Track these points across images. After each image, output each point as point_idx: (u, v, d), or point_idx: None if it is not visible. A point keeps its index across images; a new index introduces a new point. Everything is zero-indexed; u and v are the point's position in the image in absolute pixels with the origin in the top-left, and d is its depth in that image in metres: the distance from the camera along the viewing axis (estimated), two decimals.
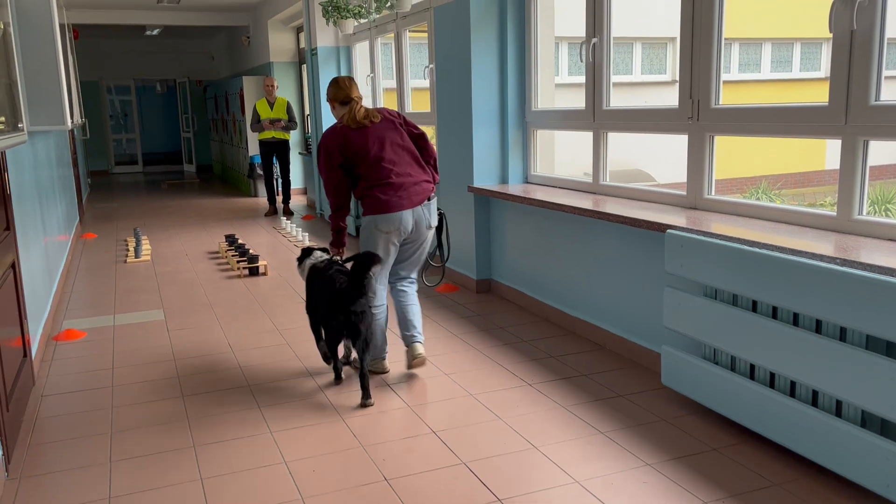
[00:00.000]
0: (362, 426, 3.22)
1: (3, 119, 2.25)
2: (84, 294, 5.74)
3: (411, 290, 3.86)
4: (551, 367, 3.85)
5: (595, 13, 4.28)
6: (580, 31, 4.46)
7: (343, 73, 8.85)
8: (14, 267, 3.62)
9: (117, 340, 4.52)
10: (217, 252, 7.21)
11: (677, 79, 3.79)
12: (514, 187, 5.09)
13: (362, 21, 7.66)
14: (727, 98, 3.58)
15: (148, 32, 14.34)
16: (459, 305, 5.08)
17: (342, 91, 3.67)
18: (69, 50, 6.99)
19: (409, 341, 3.78)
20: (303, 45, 11.01)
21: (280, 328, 4.67)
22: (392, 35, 7.38)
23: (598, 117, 4.39)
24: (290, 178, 9.92)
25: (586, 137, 4.59)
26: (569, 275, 4.48)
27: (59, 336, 4.60)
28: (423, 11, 6.50)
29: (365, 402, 3.45)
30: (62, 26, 4.64)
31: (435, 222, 3.77)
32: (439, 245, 4.09)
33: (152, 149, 17.54)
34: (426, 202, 3.66)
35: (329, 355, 3.73)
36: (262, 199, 10.89)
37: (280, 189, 9.99)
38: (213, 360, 4.11)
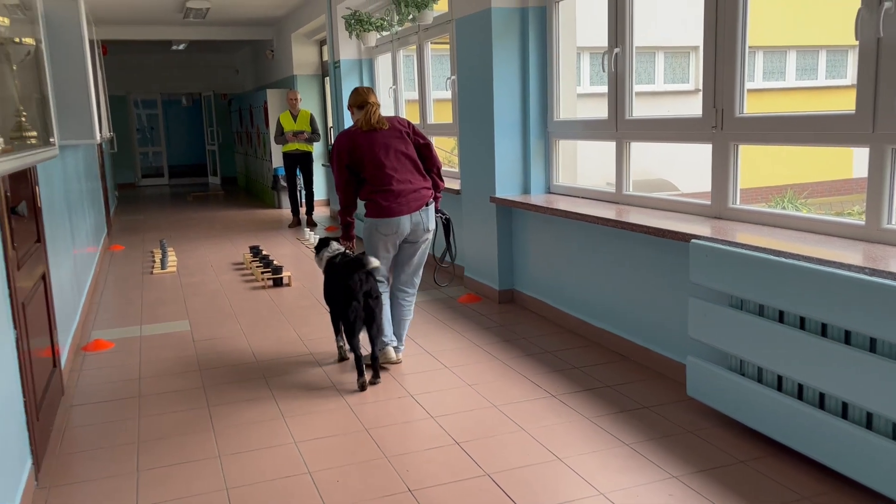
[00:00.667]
0: (386, 437, 3.22)
1: (35, 134, 2.30)
2: (112, 305, 5.82)
3: (409, 304, 4.19)
4: (575, 378, 3.83)
5: (617, 23, 4.28)
6: (601, 41, 4.46)
7: (365, 85, 8.92)
8: (44, 278, 3.69)
9: (144, 351, 4.57)
10: (242, 263, 7.28)
11: (700, 88, 3.77)
12: (537, 197, 5.09)
13: (384, 34, 7.73)
14: (751, 107, 3.56)
15: (174, 47, 14.57)
16: (482, 316, 5.07)
17: (360, 96, 4.01)
18: (98, 65, 7.13)
19: (392, 349, 4.10)
20: (326, 58, 11.12)
21: (304, 339, 4.70)
22: (414, 47, 7.43)
23: (621, 127, 4.38)
24: (314, 190, 10.00)
25: (609, 147, 4.58)
26: (592, 285, 4.46)
27: (88, 346, 4.66)
28: (445, 23, 6.54)
29: (374, 380, 3.83)
30: (91, 42, 4.73)
31: (432, 226, 4.03)
32: (448, 248, 4.35)
33: (178, 161, 17.77)
34: (424, 207, 3.95)
35: (348, 350, 3.93)
36: (286, 211, 10.98)
37: (303, 200, 10.07)
38: (237, 371, 4.14)
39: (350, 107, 4.04)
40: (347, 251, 4.09)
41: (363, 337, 3.87)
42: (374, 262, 3.78)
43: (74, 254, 5.33)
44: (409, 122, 4.05)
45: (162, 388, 3.91)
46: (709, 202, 3.80)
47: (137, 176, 17.18)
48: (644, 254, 3.96)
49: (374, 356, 3.86)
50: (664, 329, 3.86)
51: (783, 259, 2.77)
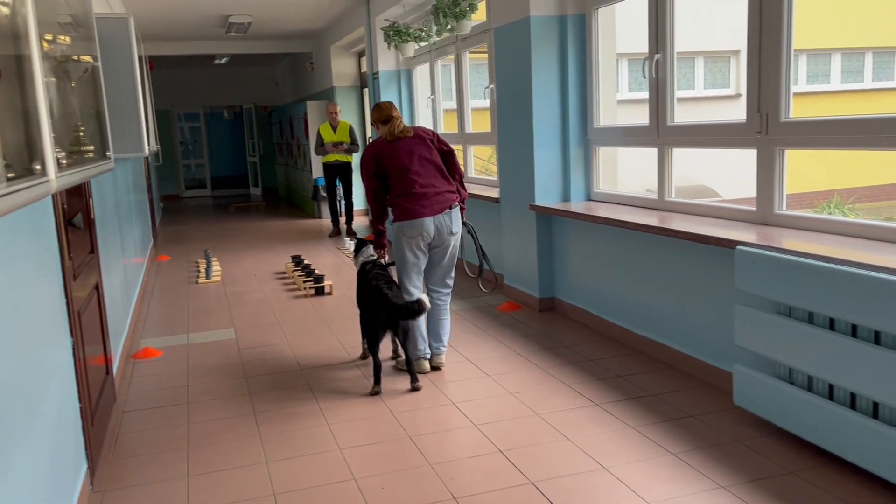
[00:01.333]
0: (429, 444, 3.24)
1: (92, 148, 2.38)
2: (159, 314, 5.96)
3: (444, 304, 4.25)
4: (618, 386, 3.80)
5: (658, 29, 4.26)
6: (640, 47, 4.44)
7: (404, 96, 9.00)
8: (98, 288, 3.80)
9: (191, 358, 4.67)
10: (284, 272, 7.38)
11: (741, 92, 3.73)
12: (577, 205, 5.07)
13: (422, 44, 7.79)
14: (795, 111, 3.50)
15: (216, 61, 14.89)
16: (522, 324, 5.07)
17: (384, 112, 4.14)
18: (146, 80, 7.33)
19: (434, 351, 4.21)
20: (364, 69, 11.25)
21: (346, 346, 4.75)
22: (452, 57, 7.48)
23: (662, 133, 4.35)
24: (353, 200, 10.11)
25: (648, 154, 4.55)
26: (634, 292, 4.42)
27: (138, 354, 4.78)
28: (483, 33, 6.57)
29: (413, 385, 3.87)
30: (140, 58, 4.87)
31: (457, 228, 4.11)
32: (481, 256, 4.43)
33: (220, 173, 18.11)
34: (448, 210, 4.03)
35: (369, 353, 4.01)
36: (326, 221, 11.11)
37: (343, 210, 10.18)
38: (282, 378, 4.20)
39: (374, 122, 4.17)
40: (380, 259, 4.30)
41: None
42: (424, 300, 3.84)
43: (124, 264, 5.48)
44: (433, 132, 4.19)
45: (209, 395, 3.99)
46: (754, 208, 3.75)
47: (181, 188, 17.55)
48: (687, 261, 3.91)
49: (408, 360, 3.93)
50: (709, 337, 3.81)
51: (834, 266, 2.72)
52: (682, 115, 4.34)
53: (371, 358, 3.98)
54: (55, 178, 1.53)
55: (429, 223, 3.97)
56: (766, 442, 3.07)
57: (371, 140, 9.79)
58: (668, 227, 3.83)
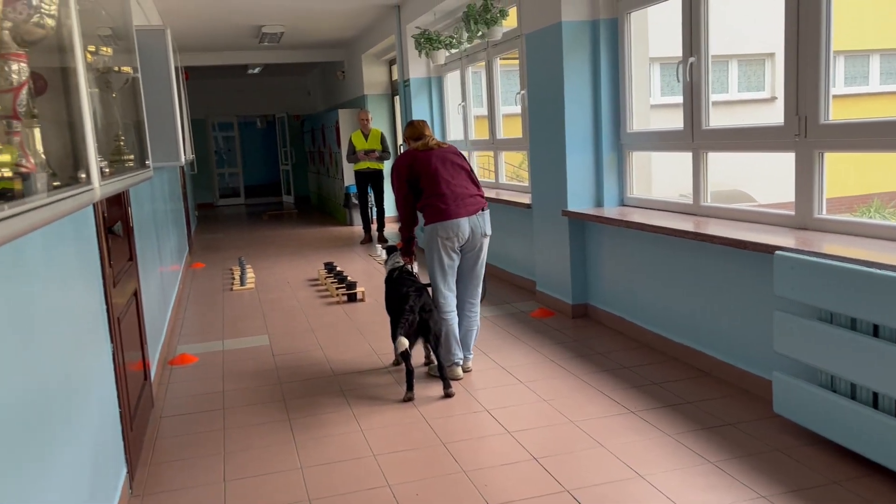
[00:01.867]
0: (463, 451, 3.23)
1: (132, 157, 2.43)
2: (195, 320, 6.04)
3: (475, 315, 4.30)
4: (654, 393, 3.76)
5: (692, 32, 4.21)
6: (673, 51, 4.40)
7: (434, 103, 9.04)
8: (136, 295, 3.87)
9: (227, 364, 4.73)
10: (316, 279, 7.44)
11: (777, 95, 3.68)
12: (610, 210, 5.03)
13: (453, 51, 7.81)
14: (835, 113, 3.44)
15: (249, 71, 15.09)
16: (555, 331, 5.03)
17: (416, 130, 4.30)
18: (181, 91, 7.46)
19: (461, 361, 4.21)
20: (395, 77, 11.32)
21: (379, 352, 4.76)
22: (483, 63, 7.49)
23: (697, 137, 4.30)
24: (384, 207, 10.16)
25: (681, 158, 4.49)
26: (670, 299, 4.37)
27: (174, 360, 4.85)
28: (514, 39, 6.57)
29: (447, 391, 3.88)
30: (176, 69, 4.96)
31: (489, 231, 4.16)
32: (484, 280, 4.38)
33: (253, 181, 18.34)
34: (480, 212, 4.10)
35: (401, 359, 4.03)
36: (358, 228, 11.17)
37: (374, 217, 10.24)
38: (316, 384, 4.23)
39: (406, 139, 4.33)
40: (406, 266, 4.34)
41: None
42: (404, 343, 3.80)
43: (161, 271, 5.57)
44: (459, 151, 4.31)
45: (244, 401, 4.03)
46: (792, 212, 3.69)
47: (216, 196, 17.81)
48: (724, 266, 3.86)
49: (440, 366, 3.96)
50: (747, 344, 3.74)
51: (877, 270, 2.66)
52: (716, 118, 4.29)
53: (403, 364, 3.99)
54: (99, 186, 1.56)
55: (464, 223, 4.03)
56: (808, 451, 3.01)
57: (402, 147, 9.84)
58: (704, 233, 3.78)
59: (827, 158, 3.51)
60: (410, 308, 3.87)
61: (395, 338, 3.95)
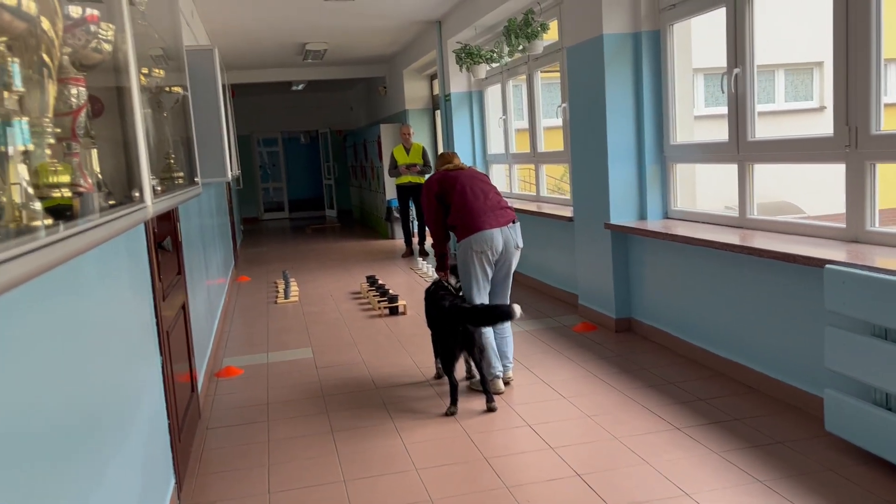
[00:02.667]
0: (505, 466, 3.21)
1: (182, 174, 2.49)
2: (240, 333, 6.14)
3: (507, 323, 4.19)
4: (700, 410, 3.69)
5: (737, 42, 4.16)
6: (717, 61, 4.34)
7: (475, 117, 9.08)
8: (184, 308, 3.96)
9: (271, 377, 4.79)
10: (359, 292, 7.50)
11: (826, 105, 3.61)
12: (654, 223, 4.98)
13: (494, 65, 7.84)
14: (887, 123, 3.35)
15: (294, 88, 15.38)
16: (598, 345, 4.98)
17: (446, 159, 4.45)
18: (228, 108, 7.63)
19: (504, 368, 4.27)
20: (436, 91, 11.40)
21: (420, 366, 4.77)
22: (523, 77, 7.50)
23: (742, 149, 4.23)
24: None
25: (727, 170, 4.43)
26: (716, 313, 4.29)
27: (220, 373, 4.94)
28: (556, 52, 6.57)
29: (489, 405, 3.88)
30: (223, 87, 5.09)
31: (521, 243, 4.23)
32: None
33: (297, 196, 18.63)
34: (511, 224, 4.16)
35: (445, 373, 4.03)
36: (399, 241, 11.25)
37: (416, 231, 10.29)
38: (358, 397, 4.26)
39: (437, 169, 4.46)
40: (442, 281, 4.40)
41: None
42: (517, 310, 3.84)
43: (207, 285, 5.68)
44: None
45: (288, 413, 4.08)
46: (842, 224, 3.60)
47: (260, 210, 18.13)
48: (772, 280, 3.78)
49: (483, 379, 3.96)
50: (797, 359, 3.65)
51: None
52: (762, 129, 4.22)
53: (447, 378, 3.99)
54: (151, 204, 1.61)
55: (497, 235, 4.08)
56: (861, 470, 2.91)
57: None
58: (751, 246, 3.71)
59: (879, 169, 3.42)
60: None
61: (437, 353, 3.97)
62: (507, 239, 4.12)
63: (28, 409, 1.49)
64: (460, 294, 4.26)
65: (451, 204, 4.18)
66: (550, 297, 6.63)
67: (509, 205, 4.28)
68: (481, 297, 4.18)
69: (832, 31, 3.47)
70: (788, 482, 2.88)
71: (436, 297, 4.21)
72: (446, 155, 4.51)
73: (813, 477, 2.91)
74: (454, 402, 3.89)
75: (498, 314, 3.92)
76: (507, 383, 4.25)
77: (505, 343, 4.29)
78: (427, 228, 4.43)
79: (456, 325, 3.89)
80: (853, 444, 3.04)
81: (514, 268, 4.28)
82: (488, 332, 4.12)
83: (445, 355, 3.98)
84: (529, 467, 3.21)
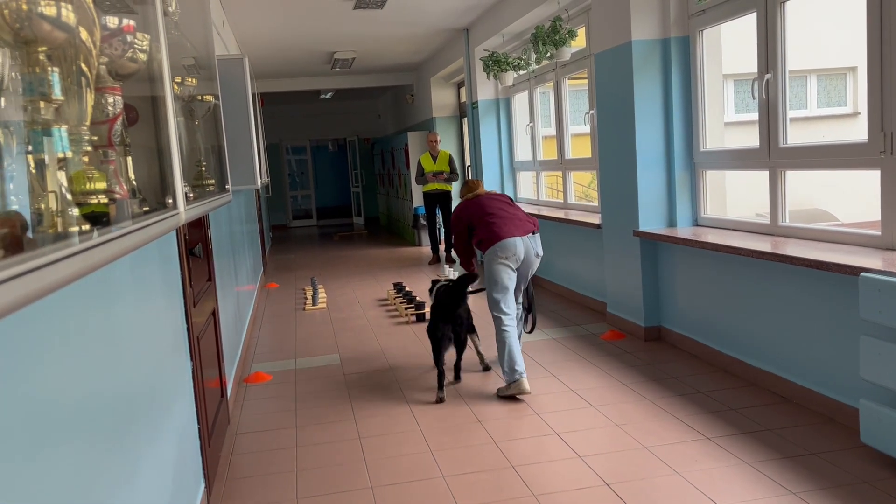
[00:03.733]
0: (533, 475, 3.19)
1: (213, 181, 2.53)
2: (269, 339, 6.20)
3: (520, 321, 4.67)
4: (732, 420, 3.63)
5: (768, 48, 4.11)
6: (747, 67, 4.29)
7: (503, 124, 9.07)
8: (214, 314, 4.00)
9: (299, 383, 4.82)
10: (386, 299, 7.52)
11: (860, 110, 3.54)
12: (684, 230, 4.92)
13: (521, 72, 7.84)
14: None
15: (322, 96, 15.52)
16: (627, 354, 4.94)
17: (470, 188, 4.79)
18: (258, 117, 7.73)
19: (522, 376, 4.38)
20: (463, 99, 11.43)
21: (447, 373, 4.76)
22: (551, 84, 7.48)
23: (774, 156, 4.17)
24: None
25: (758, 176, 4.37)
26: (747, 322, 4.23)
27: (249, 378, 4.98)
28: (583, 59, 6.55)
29: (483, 364, 4.73)
30: (253, 96, 5.15)
31: (541, 252, 4.52)
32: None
33: (325, 203, 18.78)
34: (532, 234, 4.42)
35: (434, 361, 4.42)
36: (426, 248, 11.27)
37: (442, 238, 10.31)
38: (385, 404, 4.26)
39: (463, 197, 4.77)
40: (443, 281, 4.86)
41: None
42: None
43: (237, 291, 5.74)
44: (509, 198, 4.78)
45: (316, 419, 4.10)
46: (878, 232, 3.53)
47: (289, 218, 18.30)
48: (805, 289, 3.72)
49: (456, 363, 4.58)
50: (831, 369, 3.58)
51: None
52: (794, 135, 4.16)
53: (455, 371, 4.54)
54: (184, 211, 1.63)
55: (518, 243, 4.33)
56: None
57: (470, 168, 9.91)
58: (783, 253, 3.66)
59: None
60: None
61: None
62: (527, 248, 4.37)
63: (67, 407, 1.52)
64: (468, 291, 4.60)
65: (477, 225, 4.48)
66: (578, 305, 6.59)
67: (531, 218, 4.55)
68: (506, 303, 4.33)
69: (866, 35, 3.42)
70: (822, 494, 2.82)
71: (437, 296, 4.63)
72: (471, 183, 4.84)
73: (848, 489, 2.85)
74: (441, 387, 4.25)
75: (467, 279, 4.48)
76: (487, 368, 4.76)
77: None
78: (455, 249, 4.79)
79: (443, 319, 4.35)
80: (890, 456, 2.98)
81: (532, 273, 4.57)
82: (511, 333, 4.30)
83: (435, 345, 4.37)
84: (557, 476, 3.18)
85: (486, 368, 4.76)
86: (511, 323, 4.31)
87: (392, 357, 5.29)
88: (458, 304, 4.43)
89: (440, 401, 4.18)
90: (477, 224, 4.50)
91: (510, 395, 4.15)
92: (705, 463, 3.17)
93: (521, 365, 4.18)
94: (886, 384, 2.91)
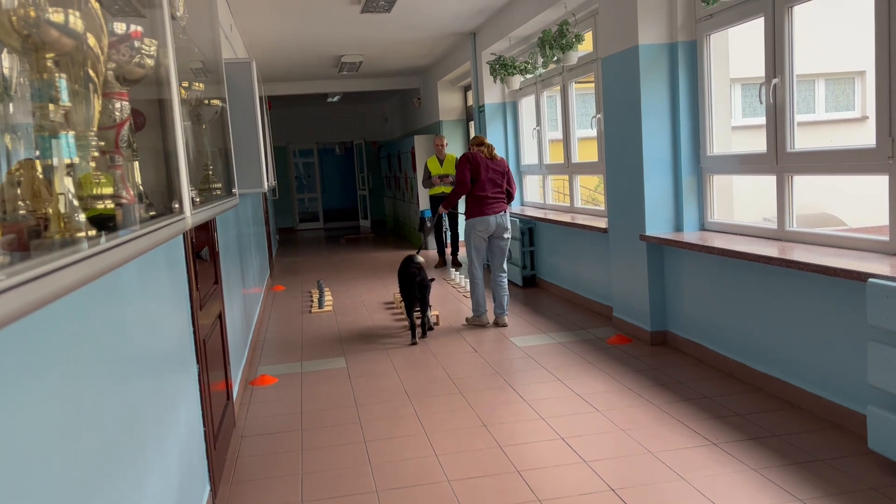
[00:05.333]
0: (538, 480, 3.19)
1: (220, 185, 2.54)
2: (275, 342, 6.21)
3: (504, 281, 6.15)
4: (737, 425, 3.62)
5: (775, 52, 4.10)
6: (755, 71, 4.28)
7: (509, 128, 9.07)
8: (221, 317, 4.01)
9: (305, 386, 4.83)
10: (391, 302, 7.53)
11: (868, 115, 3.53)
12: (690, 235, 4.91)
13: (528, 76, 7.84)
14: None
15: (329, 99, 15.55)
16: (633, 358, 4.93)
17: (480, 142, 6.19)
18: (265, 120, 7.75)
19: (499, 317, 6.18)
20: (470, 102, 11.44)
21: (453, 377, 4.77)
22: (558, 88, 7.48)
23: (781, 160, 4.16)
24: (458, 232, 10.21)
25: (765, 181, 4.36)
26: (754, 327, 4.22)
27: (255, 381, 4.99)
28: (590, 63, 6.55)
29: (417, 339, 5.79)
30: (260, 99, 5.17)
31: (509, 226, 6.07)
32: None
33: (331, 206, 18.81)
34: (502, 213, 6.00)
35: (406, 313, 5.91)
36: (432, 252, 11.27)
37: (449, 241, 10.30)
38: (391, 407, 4.27)
39: (472, 146, 6.21)
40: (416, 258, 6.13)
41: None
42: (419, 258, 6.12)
43: (244, 294, 5.76)
44: (507, 166, 6.18)
45: (321, 423, 4.10)
46: (886, 237, 3.51)
47: (295, 220, 18.33)
48: (812, 294, 3.70)
49: (422, 321, 5.98)
50: (838, 375, 3.57)
51: None
52: (802, 139, 4.15)
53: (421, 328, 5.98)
54: (190, 215, 1.64)
55: (492, 220, 5.98)
56: None
57: None
58: (790, 259, 3.64)
59: None
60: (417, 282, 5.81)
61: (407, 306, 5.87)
62: (499, 223, 5.99)
63: (74, 412, 1.52)
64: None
65: (474, 179, 5.94)
66: (584, 309, 6.58)
67: (512, 187, 6.09)
68: (478, 260, 6.09)
69: (874, 39, 3.40)
70: (829, 501, 2.80)
71: (409, 269, 5.87)
72: (479, 137, 6.27)
73: (855, 496, 2.83)
74: (413, 336, 5.71)
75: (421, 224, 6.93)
76: (504, 325, 6.09)
77: (504, 299, 6.12)
78: (454, 187, 6.13)
79: (411, 281, 5.75)
80: None
81: (507, 244, 6.10)
82: (480, 282, 6.12)
83: (407, 302, 5.80)
84: (562, 481, 3.18)
85: (430, 329, 6.11)
86: (479, 274, 6.11)
87: (398, 360, 5.30)
88: (419, 274, 5.81)
89: (414, 344, 5.65)
90: (474, 179, 5.93)
91: (474, 324, 6.15)
92: (711, 468, 3.16)
93: (483, 306, 6.13)
94: (894, 391, 2.90)
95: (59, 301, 0.92)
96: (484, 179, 5.92)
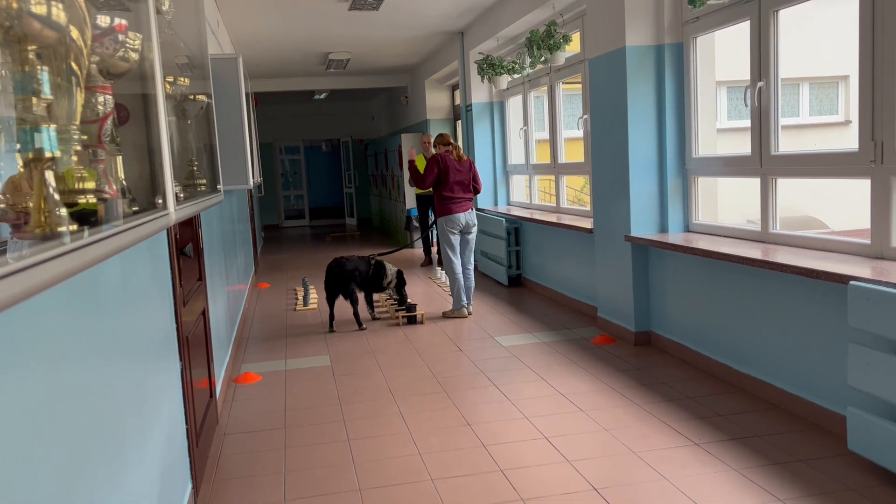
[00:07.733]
0: (521, 479, 3.19)
1: (204, 181, 2.52)
2: (259, 339, 6.18)
3: (471, 272, 6.66)
4: (720, 426, 3.65)
5: (761, 56, 4.13)
6: (740, 74, 4.31)
7: (496, 127, 9.09)
8: (204, 314, 3.99)
9: (289, 384, 4.81)
10: (377, 301, 7.50)
11: (851, 119, 3.57)
12: (675, 236, 4.94)
13: (516, 76, 7.85)
14: None
15: (316, 97, 15.49)
16: (617, 358, 4.95)
17: (445, 138, 6.63)
18: (251, 116, 7.70)
19: (468, 304, 6.62)
20: (457, 101, 11.43)
21: (438, 376, 4.77)
22: (545, 88, 7.49)
23: (766, 163, 4.19)
24: None
25: (749, 183, 4.39)
26: (737, 328, 4.25)
27: (239, 379, 4.96)
28: (577, 63, 6.56)
29: (360, 325, 6.34)
30: (246, 95, 5.14)
31: (475, 222, 6.63)
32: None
33: (317, 204, 18.73)
34: (470, 210, 6.52)
35: (328, 303, 6.43)
36: (418, 250, 11.26)
37: (435, 240, 10.29)
38: (375, 406, 4.26)
39: (436, 144, 6.63)
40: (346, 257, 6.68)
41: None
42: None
43: (228, 291, 5.72)
44: (472, 163, 6.66)
45: (305, 421, 4.09)
46: (867, 241, 3.55)
47: (281, 218, 18.25)
48: (795, 296, 3.73)
49: (354, 313, 6.42)
50: (819, 376, 3.60)
51: None
52: (786, 143, 4.18)
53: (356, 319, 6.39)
54: (174, 211, 1.63)
55: (462, 217, 6.47)
56: (884, 491, 2.86)
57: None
58: (773, 261, 3.67)
59: None
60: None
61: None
62: (468, 220, 6.51)
63: (53, 409, 1.51)
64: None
65: (442, 182, 6.39)
66: (569, 309, 6.60)
67: (479, 184, 6.59)
68: (455, 255, 6.49)
69: (858, 44, 3.44)
70: (809, 501, 2.83)
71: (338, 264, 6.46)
72: (444, 136, 6.61)
73: (835, 497, 2.86)
74: (331, 325, 6.25)
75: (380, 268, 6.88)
76: (469, 314, 6.54)
77: (471, 290, 6.62)
78: (417, 177, 6.61)
79: (333, 278, 6.40)
80: (877, 464, 3.00)
81: (474, 238, 6.66)
82: (460, 276, 6.49)
83: (329, 296, 6.38)
84: (546, 480, 3.18)
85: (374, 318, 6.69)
86: (458, 269, 6.47)
87: (382, 359, 5.29)
88: (347, 274, 6.41)
89: (332, 332, 6.18)
90: (442, 180, 6.38)
91: (452, 317, 6.49)
92: (692, 468, 3.18)
93: (463, 300, 6.51)
94: (874, 392, 2.93)
95: (38, 296, 0.91)
96: (452, 182, 6.40)
